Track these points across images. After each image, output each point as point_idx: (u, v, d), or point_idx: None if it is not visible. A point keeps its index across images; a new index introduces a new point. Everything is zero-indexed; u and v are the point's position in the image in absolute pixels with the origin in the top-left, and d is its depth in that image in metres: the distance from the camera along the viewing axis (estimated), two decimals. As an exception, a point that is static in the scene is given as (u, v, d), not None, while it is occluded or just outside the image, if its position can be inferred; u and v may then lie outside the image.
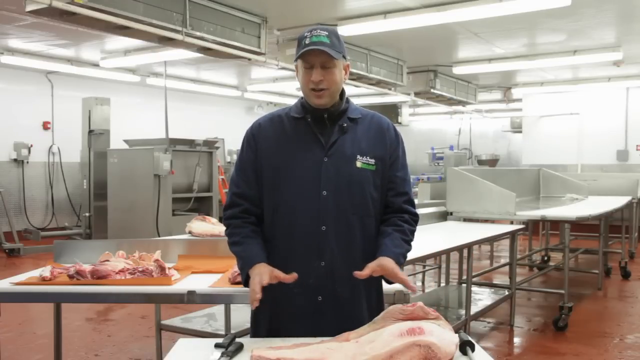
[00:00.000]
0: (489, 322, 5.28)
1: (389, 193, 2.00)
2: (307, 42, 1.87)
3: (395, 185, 2.00)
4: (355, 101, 2.12)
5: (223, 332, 3.62)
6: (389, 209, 2.00)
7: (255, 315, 2.00)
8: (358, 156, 1.93)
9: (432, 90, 10.40)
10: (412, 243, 2.02)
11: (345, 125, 1.96)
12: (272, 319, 1.95)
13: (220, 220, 8.08)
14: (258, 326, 2.00)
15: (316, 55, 1.87)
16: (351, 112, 1.99)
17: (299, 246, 1.88)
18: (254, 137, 2.00)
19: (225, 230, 2.03)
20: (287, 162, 1.92)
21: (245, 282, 1.91)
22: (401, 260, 1.91)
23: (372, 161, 1.95)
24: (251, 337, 2.00)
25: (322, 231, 1.88)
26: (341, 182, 1.91)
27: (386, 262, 1.85)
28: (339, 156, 1.92)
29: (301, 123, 1.96)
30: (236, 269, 2.57)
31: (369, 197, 1.94)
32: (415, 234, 2.05)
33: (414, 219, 2.03)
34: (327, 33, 1.89)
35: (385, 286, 2.07)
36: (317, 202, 1.88)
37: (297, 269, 1.85)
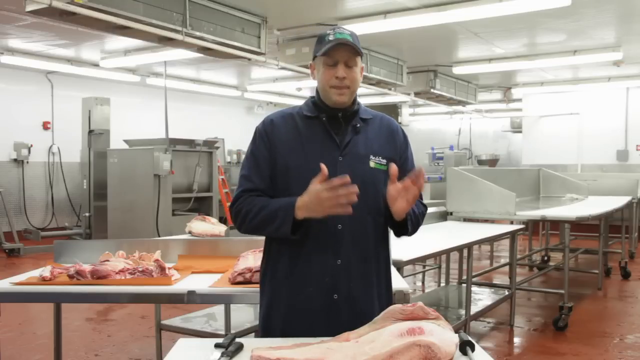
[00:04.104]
0: (489, 322, 5.28)
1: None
2: (330, 38, 1.89)
3: None
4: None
5: (223, 332, 3.62)
6: None
7: (267, 314, 1.99)
8: (371, 156, 1.95)
9: (432, 90, 10.40)
10: (420, 227, 2.05)
11: (358, 125, 1.97)
12: (286, 318, 1.93)
13: (221, 220, 8.04)
14: (270, 325, 1.98)
15: (342, 52, 1.88)
16: (362, 112, 2.01)
17: (314, 245, 1.87)
18: (267, 134, 1.96)
19: (239, 214, 1.92)
20: (302, 161, 1.91)
21: (294, 229, 1.82)
22: (410, 212, 1.91)
23: (384, 161, 1.96)
24: (261, 336, 1.99)
25: (338, 230, 1.88)
26: (356, 182, 1.88)
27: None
28: (353, 156, 1.93)
29: (315, 122, 1.96)
30: (236, 269, 2.58)
31: (381, 196, 1.95)
32: (416, 233, 2.06)
33: (424, 208, 2.08)
34: (349, 32, 1.92)
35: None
36: None
37: (313, 268, 1.86)
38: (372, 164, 1.94)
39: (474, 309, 4.66)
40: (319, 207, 1.76)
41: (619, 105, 11.19)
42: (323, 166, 1.75)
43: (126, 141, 9.19)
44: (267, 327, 1.99)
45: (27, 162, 10.50)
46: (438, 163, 12.71)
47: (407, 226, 1.95)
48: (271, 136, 1.95)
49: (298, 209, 1.80)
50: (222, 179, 11.38)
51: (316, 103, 1.99)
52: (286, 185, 1.92)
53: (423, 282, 6.95)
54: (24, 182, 10.49)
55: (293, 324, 1.90)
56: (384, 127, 2.03)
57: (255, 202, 1.90)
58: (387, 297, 2.02)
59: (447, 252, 4.96)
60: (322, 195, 1.74)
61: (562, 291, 5.16)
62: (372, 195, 1.93)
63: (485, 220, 5.59)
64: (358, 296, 1.91)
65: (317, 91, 2.00)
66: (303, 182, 1.88)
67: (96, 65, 9.68)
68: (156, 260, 2.75)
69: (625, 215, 7.79)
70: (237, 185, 2.00)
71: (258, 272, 2.51)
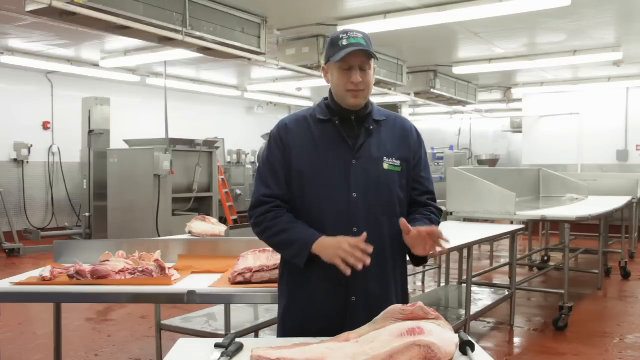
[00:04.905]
0: (489, 322, 5.28)
1: (413, 193, 2.04)
2: (344, 43, 1.89)
3: (420, 185, 2.05)
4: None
5: (223, 332, 3.62)
6: (414, 205, 2.05)
7: (285, 315, 2.00)
8: (385, 158, 1.96)
9: (432, 90, 10.41)
10: None
11: (371, 127, 1.98)
12: (304, 319, 1.94)
13: (221, 220, 7.96)
14: (288, 326, 1.99)
15: (356, 57, 1.89)
16: (375, 114, 2.02)
17: None
18: (281, 138, 1.98)
19: (258, 227, 1.96)
20: (316, 164, 1.93)
21: (308, 263, 1.86)
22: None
23: (398, 162, 1.98)
24: (280, 337, 2.01)
25: (354, 232, 1.89)
26: (370, 184, 1.93)
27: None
28: (367, 158, 1.95)
29: (328, 125, 1.97)
30: (236, 269, 2.58)
31: (396, 197, 1.97)
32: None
33: (439, 212, 2.09)
34: (362, 35, 1.92)
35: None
36: (348, 204, 1.90)
37: (329, 270, 1.87)
38: (385, 166, 1.96)
39: (474, 309, 4.65)
40: (332, 251, 1.80)
41: (619, 105, 11.18)
42: (365, 235, 1.79)
43: (126, 141, 9.19)
44: (285, 328, 2.00)
45: (27, 162, 10.50)
46: (438, 163, 12.71)
47: (427, 257, 1.99)
48: (286, 140, 1.97)
49: (317, 244, 1.84)
50: (222, 179, 11.38)
51: (329, 106, 2.00)
52: (301, 188, 1.94)
53: (423, 282, 6.94)
54: (24, 182, 10.48)
55: (311, 325, 1.91)
56: (397, 128, 2.04)
57: (276, 222, 1.92)
58: (403, 296, 2.04)
59: (447, 252, 4.95)
60: (343, 245, 1.78)
61: (562, 291, 5.16)
62: (386, 197, 1.95)
63: (485, 220, 5.59)
64: (376, 297, 1.93)
65: (330, 94, 2.01)
66: (317, 186, 1.92)
67: (96, 65, 9.68)
68: (156, 260, 2.74)
69: (625, 215, 7.78)
70: (253, 190, 2.01)
71: (258, 272, 2.52)
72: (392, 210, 1.96)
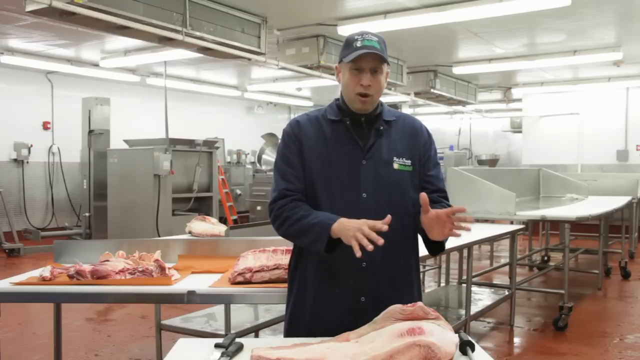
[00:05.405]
0: (489, 322, 5.28)
1: (424, 192, 2.02)
2: (358, 44, 1.89)
3: (429, 184, 2.03)
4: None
5: (223, 332, 3.62)
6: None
7: (293, 314, 2.00)
8: (395, 158, 1.97)
9: (432, 90, 10.40)
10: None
11: (382, 128, 1.99)
12: (313, 319, 1.94)
13: (221, 220, 7.94)
14: (294, 327, 1.99)
15: (368, 60, 1.89)
16: (385, 114, 2.02)
17: (340, 247, 1.87)
18: (295, 134, 1.99)
19: (279, 218, 1.94)
20: (327, 163, 1.94)
21: (329, 247, 1.83)
22: None
23: (409, 162, 1.98)
24: (286, 336, 2.01)
25: None
26: (380, 184, 1.93)
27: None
28: (377, 159, 1.95)
29: (338, 126, 1.98)
30: (236, 269, 2.58)
31: (409, 197, 1.96)
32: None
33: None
34: (377, 39, 1.92)
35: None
36: (357, 204, 1.90)
37: (338, 270, 1.87)
38: (396, 166, 1.96)
39: (474, 309, 4.65)
40: (352, 232, 1.76)
41: (619, 105, 11.19)
42: (389, 218, 1.76)
43: (126, 141, 9.19)
44: (292, 328, 2.00)
45: (27, 162, 10.50)
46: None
47: (444, 245, 1.96)
48: (299, 136, 1.98)
49: (338, 223, 1.81)
50: (222, 179, 11.38)
51: (340, 106, 2.01)
52: (312, 186, 1.95)
53: (423, 282, 6.94)
54: (24, 182, 10.48)
55: (320, 326, 1.91)
56: (407, 128, 2.04)
57: (296, 210, 1.91)
58: (416, 297, 2.01)
59: (447, 252, 4.96)
60: (362, 227, 1.76)
61: (562, 291, 5.16)
62: (397, 197, 1.95)
63: (485, 220, 5.59)
64: (386, 298, 1.91)
65: (341, 94, 2.02)
66: (330, 185, 1.92)
67: (96, 65, 9.68)
68: (156, 260, 2.74)
69: (625, 215, 7.78)
70: (272, 185, 2.00)
71: (258, 272, 2.52)
72: (403, 210, 1.95)
